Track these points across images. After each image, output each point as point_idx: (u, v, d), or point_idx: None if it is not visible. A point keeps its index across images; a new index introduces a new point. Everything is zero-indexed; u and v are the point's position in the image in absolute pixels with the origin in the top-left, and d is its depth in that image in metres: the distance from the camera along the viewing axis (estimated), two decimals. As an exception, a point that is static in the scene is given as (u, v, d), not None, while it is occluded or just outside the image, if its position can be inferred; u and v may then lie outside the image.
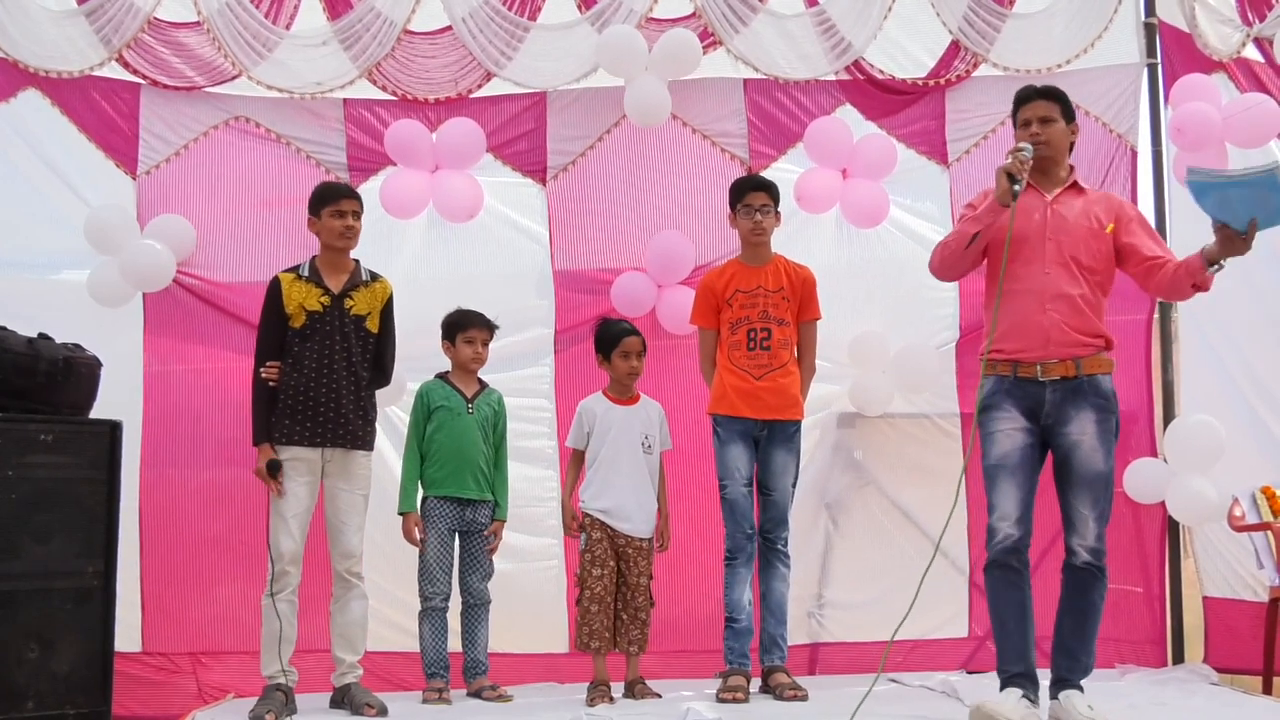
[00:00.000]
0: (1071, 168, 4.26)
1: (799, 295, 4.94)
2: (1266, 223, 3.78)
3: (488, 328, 5.04)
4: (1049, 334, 4.04)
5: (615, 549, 4.78)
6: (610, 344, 4.90)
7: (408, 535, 4.90)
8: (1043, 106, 4.18)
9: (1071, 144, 4.27)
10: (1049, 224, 4.11)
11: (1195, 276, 3.98)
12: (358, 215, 4.71)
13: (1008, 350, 4.09)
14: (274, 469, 4.55)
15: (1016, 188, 3.96)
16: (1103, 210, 4.18)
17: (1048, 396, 4.05)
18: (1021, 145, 4.05)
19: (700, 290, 5.04)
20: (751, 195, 4.91)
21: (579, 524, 4.86)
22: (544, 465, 5.58)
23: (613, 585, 4.76)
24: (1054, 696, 4.08)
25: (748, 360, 4.86)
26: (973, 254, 4.17)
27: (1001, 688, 4.04)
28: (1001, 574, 4.08)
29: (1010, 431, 4.08)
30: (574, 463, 4.95)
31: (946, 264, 4.27)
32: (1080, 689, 4.07)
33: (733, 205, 4.97)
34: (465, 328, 5.01)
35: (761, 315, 4.87)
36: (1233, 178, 3.89)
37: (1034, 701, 4.00)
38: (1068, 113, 4.21)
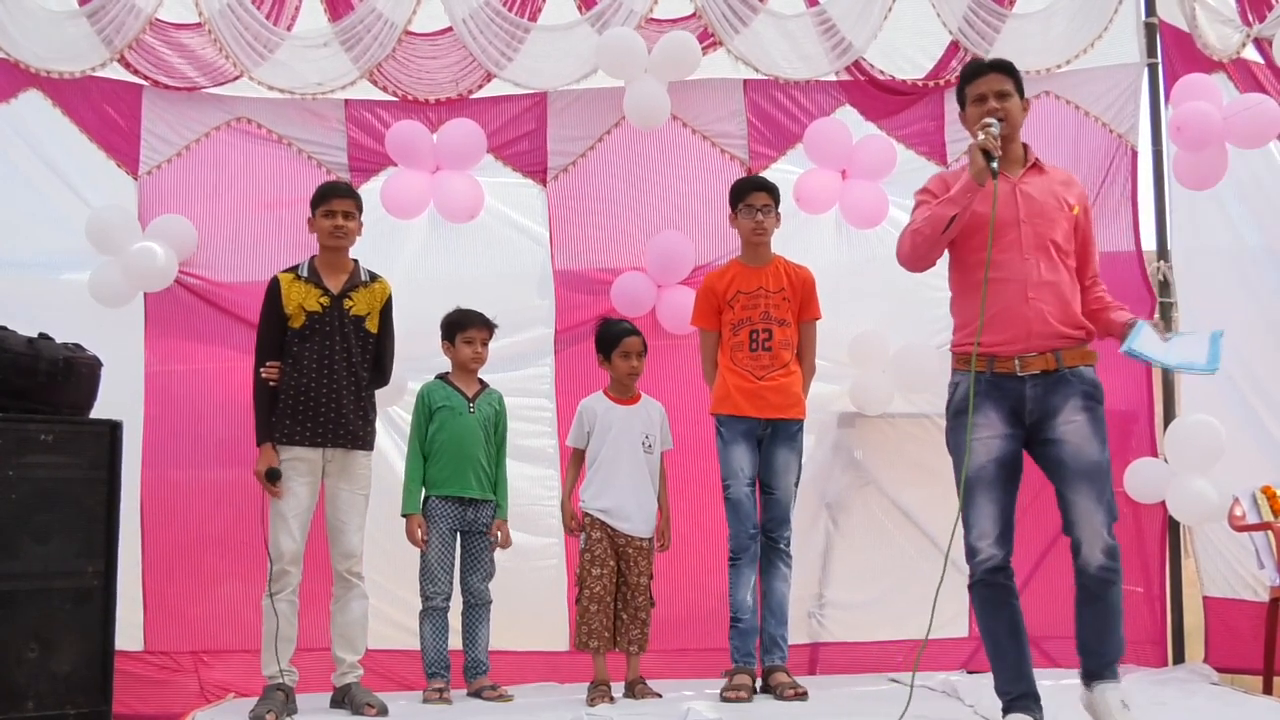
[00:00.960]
0: (1026, 146, 4.03)
1: (799, 295, 4.95)
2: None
3: (487, 327, 5.04)
4: (1031, 325, 3.81)
5: (615, 549, 4.79)
6: (611, 344, 4.91)
7: (411, 537, 4.90)
8: (997, 80, 3.94)
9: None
10: (1020, 206, 3.88)
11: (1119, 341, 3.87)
12: (349, 215, 4.70)
13: (984, 343, 3.82)
14: (273, 477, 4.55)
15: (993, 165, 3.77)
16: (1066, 190, 3.97)
17: (1028, 392, 3.82)
18: (988, 120, 3.83)
19: (701, 292, 5.04)
20: (753, 195, 4.91)
21: (579, 523, 4.86)
22: (545, 465, 5.59)
23: (612, 585, 4.76)
24: (1087, 687, 3.92)
25: (750, 361, 4.86)
26: (946, 240, 3.90)
27: (1005, 712, 3.89)
28: (989, 592, 3.89)
29: (987, 440, 3.84)
30: (574, 462, 4.95)
31: (919, 252, 3.95)
32: (1115, 678, 3.89)
33: (733, 205, 4.97)
34: (464, 328, 5.01)
35: (763, 316, 4.88)
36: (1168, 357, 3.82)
37: None
38: (1020, 87, 3.99)
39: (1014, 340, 3.83)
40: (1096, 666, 3.91)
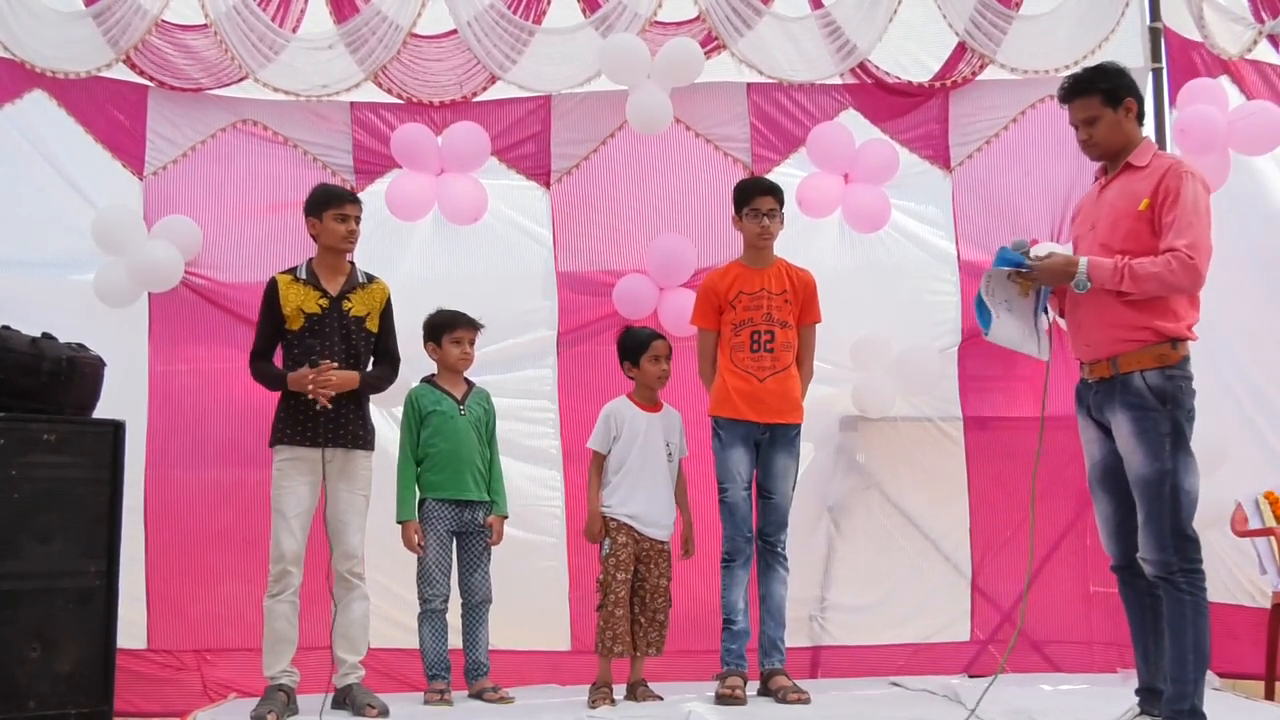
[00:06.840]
0: (1146, 142, 3.93)
1: (801, 298, 4.94)
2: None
3: (474, 327, 5.03)
4: (1078, 334, 3.92)
5: (637, 552, 4.78)
6: (640, 348, 4.88)
7: (408, 543, 4.88)
8: (1079, 108, 3.89)
9: (1141, 117, 3.93)
10: (1092, 216, 3.95)
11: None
12: (358, 220, 4.74)
13: (1073, 350, 4.02)
14: (313, 363, 4.54)
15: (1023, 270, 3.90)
16: (1149, 185, 3.80)
17: (1091, 400, 3.91)
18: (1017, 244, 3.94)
19: (702, 291, 5.03)
20: (759, 199, 4.90)
21: (603, 531, 4.82)
22: (547, 465, 5.60)
23: (630, 589, 4.76)
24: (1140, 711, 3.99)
25: (751, 362, 4.85)
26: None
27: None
28: (1121, 586, 4.03)
29: (1087, 443, 4.00)
30: (597, 467, 4.89)
31: None
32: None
33: (738, 208, 4.95)
34: (453, 328, 4.99)
35: (765, 317, 4.87)
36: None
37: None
38: (1113, 96, 3.85)
39: (1078, 346, 3.96)
40: (1147, 702, 3.95)
